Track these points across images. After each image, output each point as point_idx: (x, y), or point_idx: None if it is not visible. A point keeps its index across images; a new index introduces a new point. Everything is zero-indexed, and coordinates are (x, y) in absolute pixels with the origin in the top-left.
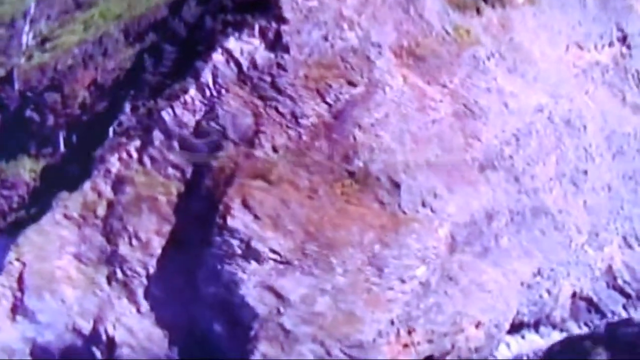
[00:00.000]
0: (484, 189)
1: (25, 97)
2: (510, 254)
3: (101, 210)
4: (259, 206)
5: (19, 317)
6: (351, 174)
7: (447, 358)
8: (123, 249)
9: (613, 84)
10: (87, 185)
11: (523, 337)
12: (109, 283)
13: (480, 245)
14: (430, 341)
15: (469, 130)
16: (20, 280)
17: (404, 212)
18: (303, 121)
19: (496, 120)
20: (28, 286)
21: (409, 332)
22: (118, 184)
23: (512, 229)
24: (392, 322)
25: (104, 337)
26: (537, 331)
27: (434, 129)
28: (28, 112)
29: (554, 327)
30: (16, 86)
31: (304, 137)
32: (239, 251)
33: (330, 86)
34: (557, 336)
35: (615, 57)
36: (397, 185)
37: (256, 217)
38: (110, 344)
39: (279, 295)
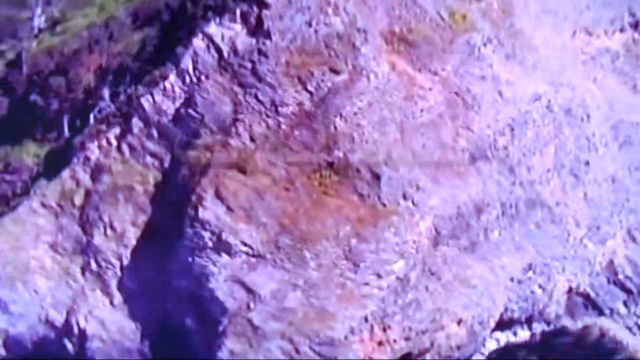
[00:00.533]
0: (473, 181)
1: (32, 81)
2: (500, 248)
3: (78, 199)
4: (232, 197)
5: None
6: (330, 165)
7: (427, 356)
8: (98, 239)
9: (623, 72)
10: (65, 173)
11: (515, 333)
12: (83, 274)
13: (468, 239)
14: (407, 339)
15: (460, 119)
16: None
17: (384, 205)
18: (283, 109)
19: (489, 109)
20: (1, 276)
21: (384, 330)
22: (97, 172)
23: (504, 223)
24: (366, 319)
25: (75, 330)
26: (529, 328)
27: (422, 118)
28: (33, 97)
29: (548, 323)
30: (24, 70)
31: (283, 126)
32: (210, 244)
33: (312, 73)
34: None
35: (627, 43)
36: (377, 177)
37: (229, 208)
38: (82, 337)
39: (249, 290)
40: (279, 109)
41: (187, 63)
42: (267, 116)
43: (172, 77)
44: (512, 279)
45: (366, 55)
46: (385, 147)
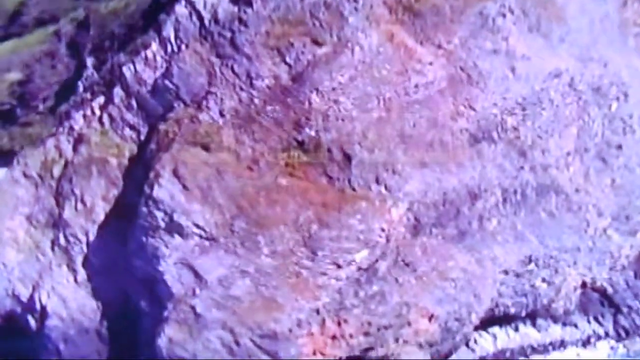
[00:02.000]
0: (470, 165)
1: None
2: (495, 238)
3: (57, 170)
4: (190, 176)
5: None
6: (300, 144)
7: (392, 353)
8: (68, 213)
9: None
10: (50, 142)
11: (517, 329)
12: (53, 249)
13: (456, 227)
14: (366, 334)
15: (462, 97)
16: None
17: (353, 189)
18: (257, 83)
19: (497, 86)
20: None
21: (339, 323)
22: (77, 143)
23: (506, 210)
24: (318, 312)
25: (38, 306)
26: (533, 324)
27: (418, 94)
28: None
29: (555, 320)
30: (91, 31)
31: (256, 101)
32: (162, 224)
33: (292, 45)
34: (558, 330)
35: None
36: (348, 159)
37: (185, 187)
38: (43, 313)
39: (197, 275)
40: (254, 82)
41: (169, 31)
42: (241, 89)
43: (154, 45)
44: (506, 272)
45: (354, 26)
46: (363, 126)
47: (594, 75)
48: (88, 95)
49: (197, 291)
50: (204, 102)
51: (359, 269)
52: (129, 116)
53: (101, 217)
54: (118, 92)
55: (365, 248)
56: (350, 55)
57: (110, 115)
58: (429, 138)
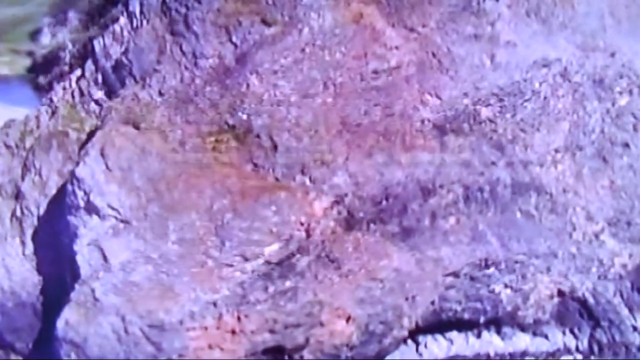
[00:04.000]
0: (426, 158)
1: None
2: (447, 238)
3: (29, 142)
4: (115, 156)
5: None
6: (232, 128)
7: (304, 353)
8: (25, 185)
9: None
10: (32, 112)
11: (479, 336)
12: (11, 220)
13: (399, 224)
14: (272, 331)
15: (429, 85)
16: None
17: (276, 179)
18: (201, 62)
19: (470, 74)
20: None
21: (239, 318)
22: (52, 115)
23: (469, 209)
24: (215, 304)
25: None
26: (498, 332)
27: (378, 81)
28: None
29: (523, 329)
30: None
31: (197, 81)
32: (82, 203)
33: (240, 24)
34: (525, 340)
35: None
36: (275, 146)
37: (107, 167)
38: None
39: (104, 257)
40: (198, 61)
41: (135, 5)
42: (186, 68)
43: (122, 19)
44: (455, 275)
45: (307, 5)
46: (299, 113)
47: (596, 66)
48: (67, 68)
49: (101, 274)
50: (147, 80)
51: (268, 262)
52: (94, 90)
53: (53, 190)
54: (89, 66)
55: (277, 242)
56: (297, 36)
57: (80, 89)
58: (381, 128)
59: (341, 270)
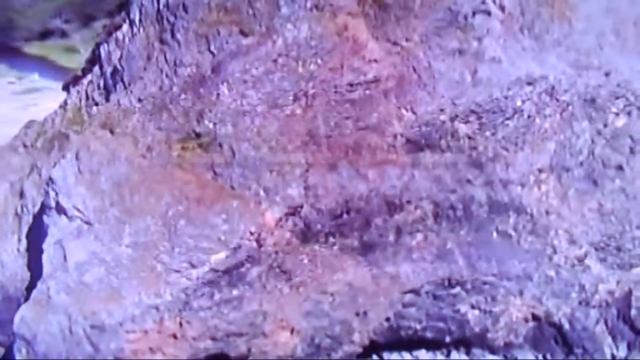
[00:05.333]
0: (395, 173)
1: None
2: (410, 255)
3: (40, 142)
4: (87, 159)
5: None
6: (198, 136)
7: None
8: (27, 184)
9: None
10: (50, 115)
11: (448, 354)
12: (14, 216)
13: (359, 238)
14: (214, 339)
15: (406, 99)
16: None
17: (232, 188)
18: (180, 70)
19: (448, 90)
20: None
21: (181, 324)
22: (62, 117)
23: (440, 226)
24: (157, 309)
25: None
26: (467, 352)
27: (354, 94)
28: None
29: (493, 351)
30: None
31: (174, 89)
32: (53, 203)
33: (219, 33)
34: None
35: None
36: (234, 155)
37: (79, 170)
38: None
39: (64, 257)
40: (177, 69)
41: (135, 12)
42: (166, 76)
43: (125, 26)
44: (416, 292)
45: (284, 16)
46: (263, 123)
47: (588, 85)
48: (80, 72)
49: (58, 273)
50: (131, 86)
51: (215, 270)
52: (96, 94)
53: None
54: (96, 70)
55: (225, 250)
56: (271, 47)
57: (86, 93)
58: (351, 141)
59: (292, 282)
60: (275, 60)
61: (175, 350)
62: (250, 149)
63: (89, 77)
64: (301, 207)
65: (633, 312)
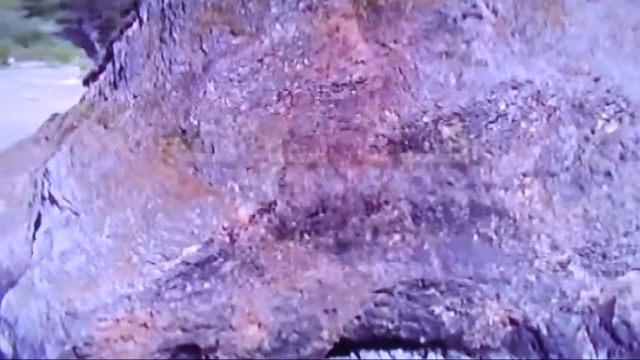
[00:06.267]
0: (374, 174)
1: None
2: (385, 254)
3: (57, 135)
4: (80, 152)
5: None
6: (183, 132)
7: (218, 354)
8: (38, 175)
9: None
10: (70, 109)
11: (425, 355)
12: (28, 206)
13: (334, 237)
14: (184, 330)
15: (391, 100)
16: None
17: (210, 184)
18: (174, 68)
19: (432, 92)
20: None
21: (151, 314)
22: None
23: (418, 227)
24: (129, 298)
25: None
26: (444, 354)
27: (340, 94)
28: None
29: (469, 353)
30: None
31: (167, 86)
32: (46, 194)
33: (211, 33)
34: None
35: None
36: (213, 152)
37: (71, 162)
38: None
39: (51, 245)
40: (172, 67)
41: (143, 11)
42: (162, 73)
43: (135, 25)
44: (388, 292)
45: (273, 16)
46: (244, 121)
47: (576, 90)
48: (97, 69)
49: (44, 261)
50: (128, 83)
51: (187, 263)
52: (107, 90)
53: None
54: (109, 67)
55: (197, 243)
56: (258, 46)
57: (99, 89)
58: (333, 141)
59: (264, 277)
60: (261, 60)
61: (146, 339)
62: (230, 146)
63: (104, 73)
64: (275, 204)
65: (615, 320)
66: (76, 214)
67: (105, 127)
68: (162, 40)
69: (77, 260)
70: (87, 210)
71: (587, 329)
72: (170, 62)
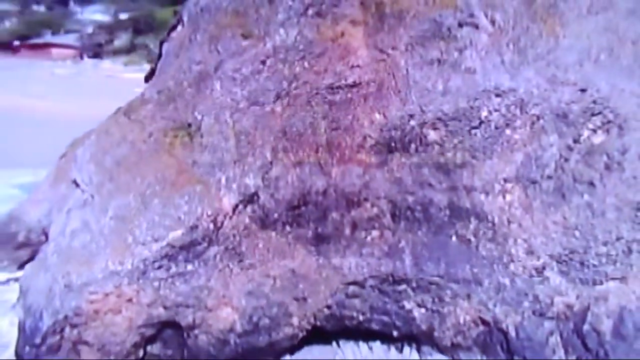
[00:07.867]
0: (357, 172)
1: None
2: (361, 249)
3: None
4: (104, 140)
5: None
6: (189, 126)
7: (196, 332)
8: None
9: None
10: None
11: (401, 349)
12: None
13: (314, 230)
14: (165, 307)
15: (381, 104)
16: None
17: (202, 174)
18: (193, 67)
19: (419, 97)
20: None
21: (137, 291)
22: None
23: (397, 225)
24: (119, 274)
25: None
26: (418, 349)
27: (336, 96)
28: None
29: (441, 351)
30: None
31: (184, 84)
32: (73, 177)
33: (225, 35)
34: None
35: None
36: (208, 145)
37: (96, 150)
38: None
39: (65, 224)
40: (191, 66)
41: (185, 15)
42: (183, 72)
43: (179, 27)
44: (360, 285)
45: (278, 22)
46: (240, 117)
47: (561, 100)
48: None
49: (59, 238)
50: (156, 80)
51: (172, 246)
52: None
53: None
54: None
55: (182, 228)
56: (262, 49)
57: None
58: (323, 140)
59: (243, 264)
60: (263, 62)
61: (132, 314)
62: (222, 140)
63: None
64: (257, 195)
65: (585, 327)
66: (92, 196)
67: (129, 118)
68: (190, 41)
69: (83, 238)
70: (99, 193)
71: (561, 335)
72: (190, 62)
